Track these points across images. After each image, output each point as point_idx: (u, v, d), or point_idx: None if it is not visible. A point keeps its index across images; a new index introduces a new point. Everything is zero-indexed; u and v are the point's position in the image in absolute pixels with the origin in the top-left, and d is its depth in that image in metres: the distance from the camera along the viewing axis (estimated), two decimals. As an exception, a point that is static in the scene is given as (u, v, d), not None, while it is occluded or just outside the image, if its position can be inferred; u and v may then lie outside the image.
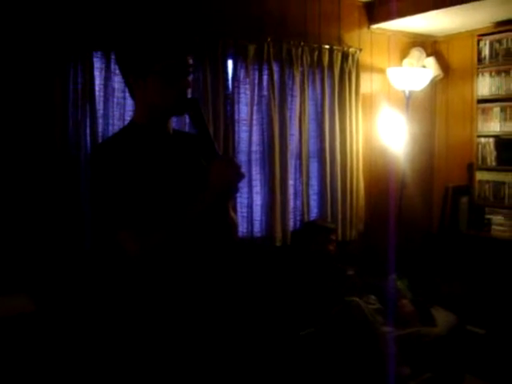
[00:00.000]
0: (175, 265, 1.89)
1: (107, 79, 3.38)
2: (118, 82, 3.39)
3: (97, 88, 3.36)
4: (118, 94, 3.41)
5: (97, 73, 3.36)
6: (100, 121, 3.38)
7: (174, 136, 2.03)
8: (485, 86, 4.53)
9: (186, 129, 3.47)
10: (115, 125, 3.40)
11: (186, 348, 1.93)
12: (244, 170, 3.82)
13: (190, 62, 1.93)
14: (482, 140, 4.58)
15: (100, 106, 3.38)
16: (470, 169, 4.69)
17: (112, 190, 1.82)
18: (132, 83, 1.93)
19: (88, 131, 3.32)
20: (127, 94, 3.37)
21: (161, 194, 1.86)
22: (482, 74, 4.54)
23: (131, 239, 1.81)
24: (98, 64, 3.37)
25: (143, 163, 1.86)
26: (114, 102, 3.42)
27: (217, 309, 2.02)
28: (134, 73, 1.90)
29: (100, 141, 3.31)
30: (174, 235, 1.84)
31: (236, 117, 3.89)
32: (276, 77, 4.00)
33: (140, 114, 1.98)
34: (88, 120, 3.32)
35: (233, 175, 1.87)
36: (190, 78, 1.96)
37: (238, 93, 3.88)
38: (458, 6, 3.90)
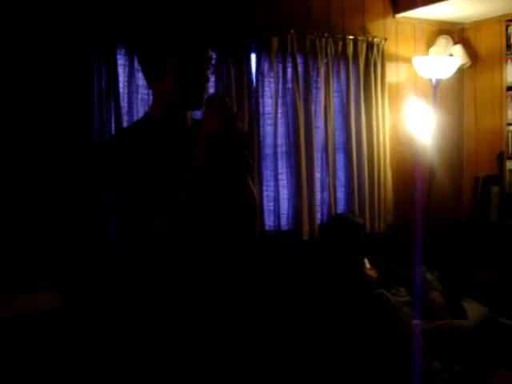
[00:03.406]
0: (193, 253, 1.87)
1: (131, 76, 3.38)
2: (141, 78, 3.37)
3: (121, 85, 3.37)
4: (142, 90, 3.42)
5: (120, 70, 3.37)
6: (125, 118, 3.39)
7: (191, 127, 1.97)
8: (514, 72, 4.43)
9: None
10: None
11: (199, 342, 1.93)
12: (270, 163, 3.92)
13: (210, 54, 1.88)
14: (512, 128, 4.49)
15: (124, 103, 3.40)
16: (501, 158, 4.59)
17: (133, 177, 1.78)
18: (150, 75, 1.90)
19: (113, 128, 3.34)
20: (151, 91, 3.39)
21: (173, 184, 1.80)
22: (511, 61, 4.45)
23: (163, 217, 1.77)
24: (121, 61, 3.38)
25: (157, 154, 1.82)
26: (139, 99, 3.42)
27: (232, 303, 2.00)
28: (151, 64, 1.87)
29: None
30: (193, 200, 1.78)
31: (261, 110, 3.87)
32: (300, 69, 3.97)
33: (157, 108, 1.94)
34: (113, 117, 3.34)
35: (219, 116, 1.81)
36: (210, 72, 1.91)
37: (263, 86, 3.86)
38: (485, -9, 3.83)
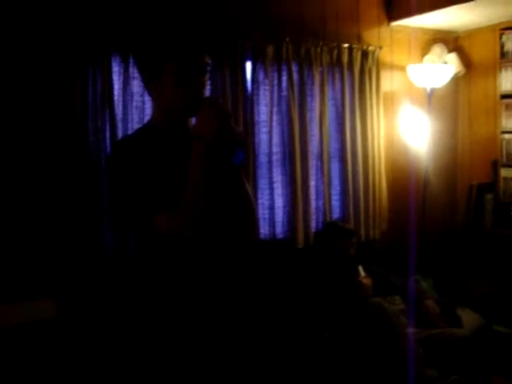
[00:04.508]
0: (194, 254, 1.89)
1: (126, 83, 3.37)
2: (136, 85, 3.39)
3: (116, 92, 3.36)
4: (136, 97, 3.41)
5: (115, 77, 3.36)
6: (119, 125, 3.38)
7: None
8: (508, 81, 4.46)
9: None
10: (135, 129, 3.38)
11: (205, 343, 1.94)
12: (264, 171, 3.91)
13: (207, 60, 1.89)
14: (506, 136, 4.51)
15: (119, 110, 3.38)
16: (495, 166, 4.61)
17: (136, 182, 1.80)
18: (148, 83, 1.92)
19: (108, 135, 3.33)
20: (146, 98, 3.39)
21: (176, 188, 1.80)
22: (505, 69, 4.47)
23: (167, 220, 1.78)
24: (116, 68, 3.37)
25: (160, 160, 1.84)
26: (133, 106, 3.41)
27: (231, 303, 2.01)
28: (148, 72, 1.89)
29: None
30: (194, 202, 1.78)
31: (256, 118, 3.86)
32: (295, 77, 3.97)
33: (157, 116, 1.97)
34: (108, 124, 3.33)
35: (214, 117, 1.79)
36: (207, 78, 1.92)
37: (258, 94, 3.86)
38: (479, 0, 3.84)
